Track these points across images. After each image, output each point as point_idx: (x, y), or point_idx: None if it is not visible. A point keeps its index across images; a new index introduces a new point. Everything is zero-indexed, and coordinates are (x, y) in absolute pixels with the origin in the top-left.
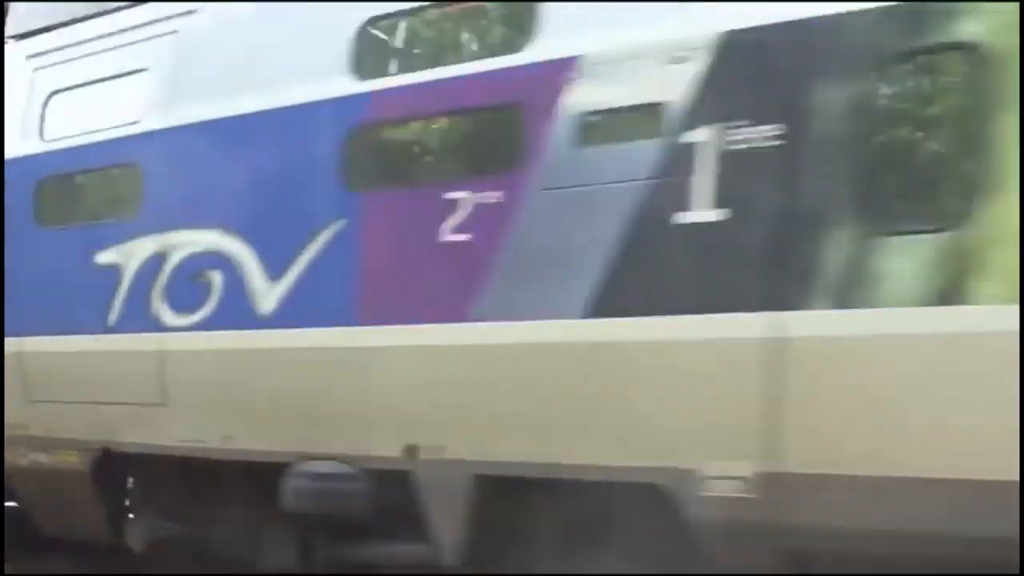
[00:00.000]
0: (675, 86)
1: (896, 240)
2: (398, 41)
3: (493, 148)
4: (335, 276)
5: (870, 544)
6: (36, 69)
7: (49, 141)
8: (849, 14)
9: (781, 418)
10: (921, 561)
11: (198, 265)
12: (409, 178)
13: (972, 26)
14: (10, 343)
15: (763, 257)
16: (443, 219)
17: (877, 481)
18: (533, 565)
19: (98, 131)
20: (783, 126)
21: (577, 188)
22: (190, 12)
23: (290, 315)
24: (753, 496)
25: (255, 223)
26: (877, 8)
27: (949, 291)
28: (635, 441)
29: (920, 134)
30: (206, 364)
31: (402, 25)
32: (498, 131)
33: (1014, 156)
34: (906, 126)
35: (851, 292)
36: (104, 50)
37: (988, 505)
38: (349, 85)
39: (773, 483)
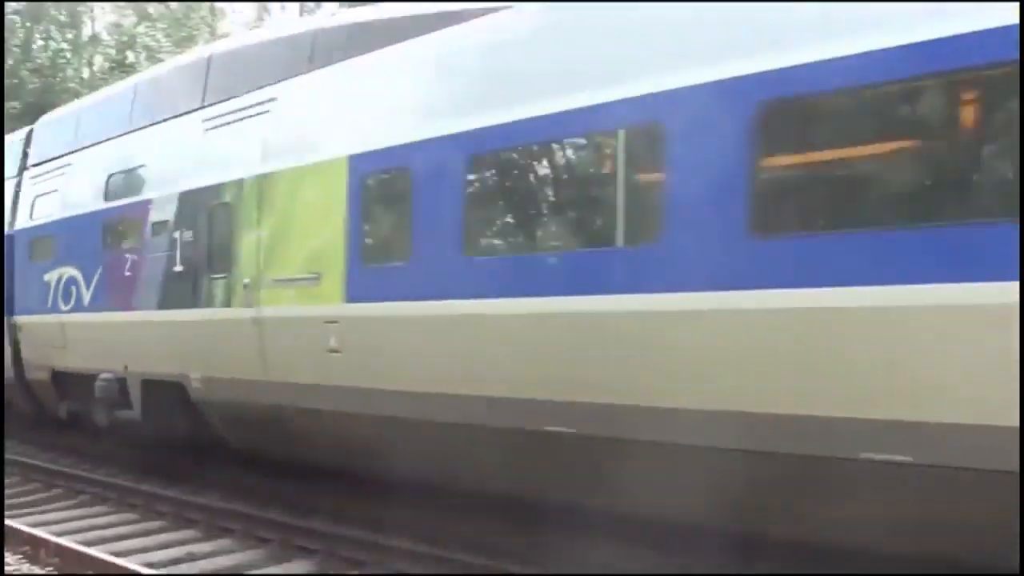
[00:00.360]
0: (171, 214)
1: (216, 280)
2: (119, 182)
3: (135, 236)
4: (102, 288)
5: (246, 413)
6: (31, 183)
7: (35, 220)
8: (201, 188)
9: (213, 352)
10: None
11: (69, 282)
12: (117, 245)
13: (226, 196)
14: (16, 319)
15: (193, 286)
16: (125, 264)
17: (253, 382)
18: (172, 416)
19: (46, 218)
20: (193, 231)
21: (153, 254)
22: (69, 164)
23: (92, 306)
24: (203, 387)
25: (83, 263)
26: (209, 185)
27: (226, 302)
28: (169, 361)
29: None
30: (74, 328)
31: (119, 176)
32: (136, 228)
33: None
34: (202, 237)
35: (207, 302)
36: (45, 180)
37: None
38: (103, 204)
39: (209, 382)
